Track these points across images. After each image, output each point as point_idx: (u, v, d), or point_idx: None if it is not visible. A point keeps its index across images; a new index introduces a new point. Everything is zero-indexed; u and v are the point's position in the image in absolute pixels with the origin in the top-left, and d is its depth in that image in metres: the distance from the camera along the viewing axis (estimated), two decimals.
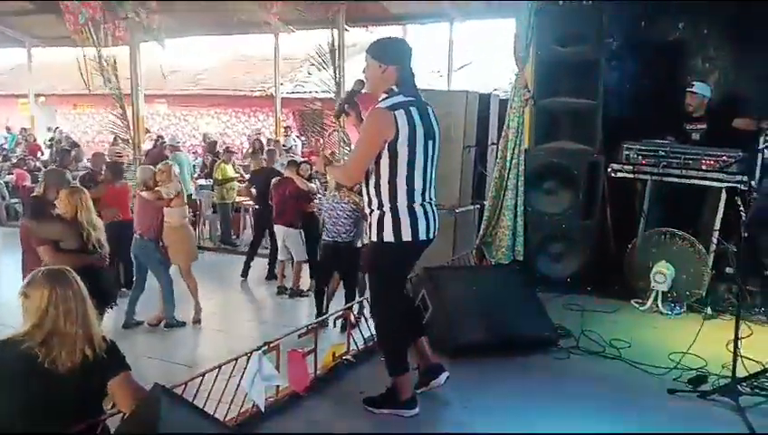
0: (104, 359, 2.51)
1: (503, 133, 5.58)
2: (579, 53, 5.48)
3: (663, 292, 5.12)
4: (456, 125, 6.40)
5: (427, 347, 3.54)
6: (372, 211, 3.32)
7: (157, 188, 6.73)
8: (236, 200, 11.05)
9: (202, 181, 11.73)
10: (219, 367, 3.12)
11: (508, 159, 5.50)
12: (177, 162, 10.58)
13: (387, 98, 3.24)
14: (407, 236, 3.25)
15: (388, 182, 3.22)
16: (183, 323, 7.01)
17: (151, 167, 7.37)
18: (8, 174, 13.54)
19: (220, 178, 10.76)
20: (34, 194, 6.01)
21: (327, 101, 10.45)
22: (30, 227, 5.13)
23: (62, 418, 2.41)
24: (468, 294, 4.37)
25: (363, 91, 3.46)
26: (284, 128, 14.76)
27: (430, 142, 3.29)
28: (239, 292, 8.78)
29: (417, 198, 3.27)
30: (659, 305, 5.12)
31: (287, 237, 7.77)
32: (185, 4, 13.98)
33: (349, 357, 3.96)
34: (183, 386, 2.89)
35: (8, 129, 19.46)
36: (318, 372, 3.75)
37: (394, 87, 3.25)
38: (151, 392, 2.56)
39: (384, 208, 3.26)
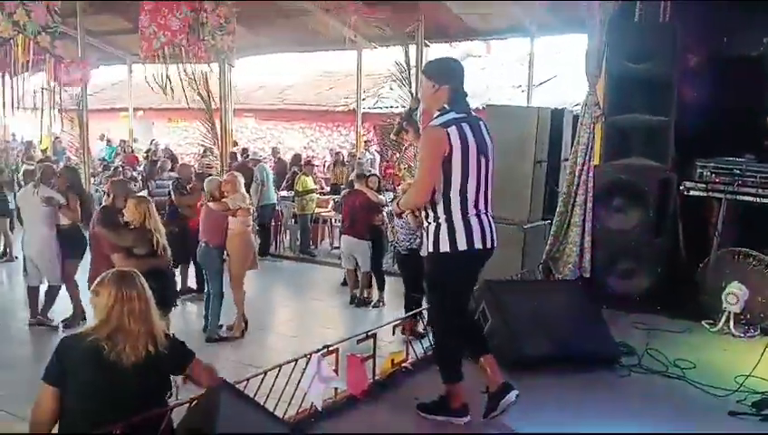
0: (165, 355, 2.76)
1: (572, 149, 5.59)
2: (651, 70, 5.44)
3: (735, 313, 4.98)
4: (527, 141, 6.44)
5: (494, 365, 3.51)
6: (429, 223, 3.46)
7: (224, 200, 6.99)
8: (315, 211, 11.42)
9: (284, 193, 12.16)
10: (279, 367, 3.33)
11: (576, 174, 5.51)
12: (261, 173, 11.13)
13: (439, 116, 3.40)
14: (462, 245, 3.37)
15: (443, 195, 3.37)
16: (224, 337, 7.05)
17: (218, 178, 7.70)
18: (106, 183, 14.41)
19: (301, 189, 11.14)
20: (104, 204, 6.47)
21: None
22: (102, 234, 5.54)
23: (124, 408, 2.62)
24: (529, 307, 4.42)
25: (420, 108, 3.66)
26: (365, 142, 15.08)
27: (483, 157, 3.40)
28: (315, 300, 9.04)
29: (471, 210, 3.39)
30: (731, 327, 4.99)
31: (355, 248, 7.99)
32: (268, 23, 14.63)
33: (407, 365, 4.09)
34: (245, 383, 3.11)
35: (108, 141, 20.73)
36: (376, 377, 3.90)
37: (446, 105, 3.40)
38: (214, 386, 2.80)
39: (440, 220, 3.40)
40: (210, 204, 7.07)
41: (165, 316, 4.39)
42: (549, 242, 5.72)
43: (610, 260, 5.67)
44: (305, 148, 18.57)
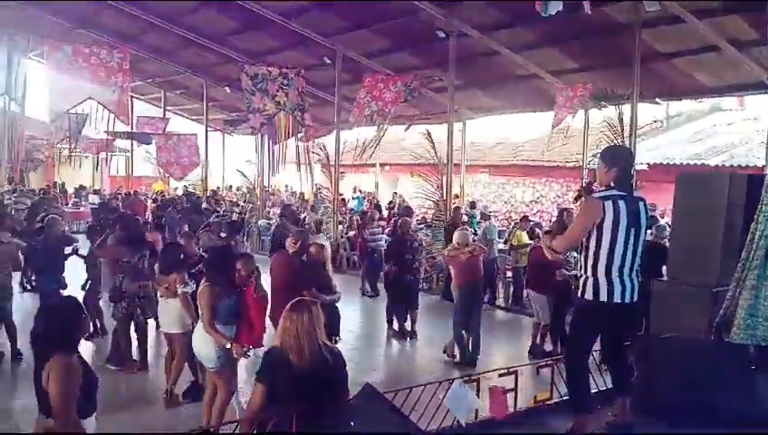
0: (333, 361, 3.69)
1: (755, 215, 5.61)
2: None
3: None
4: (718, 206, 6.48)
5: (624, 408, 4.16)
6: (581, 275, 4.23)
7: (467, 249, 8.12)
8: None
9: (501, 246, 12.88)
10: (425, 385, 4.12)
11: (755, 239, 5.50)
12: (487, 228, 12.05)
13: (602, 191, 4.20)
14: (603, 297, 4.07)
15: (593, 254, 4.11)
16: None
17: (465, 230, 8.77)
18: (351, 230, 16.38)
19: (515, 243, 11.80)
20: (294, 251, 7.20)
21: None
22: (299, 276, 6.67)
23: (306, 403, 3.55)
24: (678, 365, 4.65)
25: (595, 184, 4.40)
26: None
27: (633, 229, 4.10)
28: (509, 346, 9.56)
29: (615, 271, 4.06)
30: None
31: (536, 300, 8.39)
32: (500, 87, 15.65)
33: (550, 403, 4.61)
34: (394, 393, 3.96)
35: (361, 192, 23.31)
36: (519, 408, 4.49)
37: (612, 184, 4.16)
38: (363, 389, 3.70)
39: (588, 274, 4.14)
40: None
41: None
42: (724, 305, 5.71)
43: None
44: (534, 202, 19.13)
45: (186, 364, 6.64)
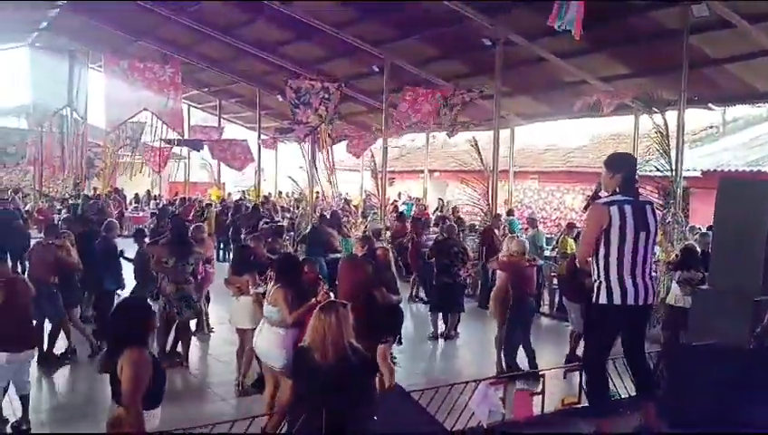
0: (357, 362, 3.85)
1: None
2: None
3: None
4: (761, 214, 6.40)
5: (651, 414, 4.21)
6: (594, 280, 4.29)
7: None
8: None
9: (547, 253, 12.83)
10: (451, 386, 4.24)
11: None
12: (534, 236, 12.06)
13: (607, 196, 4.29)
14: (617, 299, 4.16)
15: (604, 258, 4.20)
16: None
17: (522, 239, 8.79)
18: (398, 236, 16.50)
19: (564, 250, 11.75)
20: (362, 253, 7.48)
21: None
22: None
23: (332, 396, 3.74)
24: (707, 373, 4.64)
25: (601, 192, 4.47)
26: None
27: (642, 233, 4.18)
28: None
29: (627, 273, 4.15)
30: None
31: (571, 309, 8.34)
32: (548, 93, 15.60)
33: (576, 407, 4.66)
34: (420, 393, 4.10)
35: (409, 197, 23.47)
36: (546, 411, 4.57)
37: (617, 189, 4.27)
38: (391, 388, 3.86)
39: (600, 278, 4.23)
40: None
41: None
42: (767, 315, 5.68)
43: None
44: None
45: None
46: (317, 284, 6.10)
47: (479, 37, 13.19)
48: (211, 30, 17.55)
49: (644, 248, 4.18)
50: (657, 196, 11.34)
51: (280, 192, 27.08)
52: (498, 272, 8.26)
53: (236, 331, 7.33)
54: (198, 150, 21.83)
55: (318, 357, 3.77)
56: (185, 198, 21.29)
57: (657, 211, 11.50)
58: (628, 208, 4.13)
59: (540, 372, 4.62)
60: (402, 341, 7.16)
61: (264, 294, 6.35)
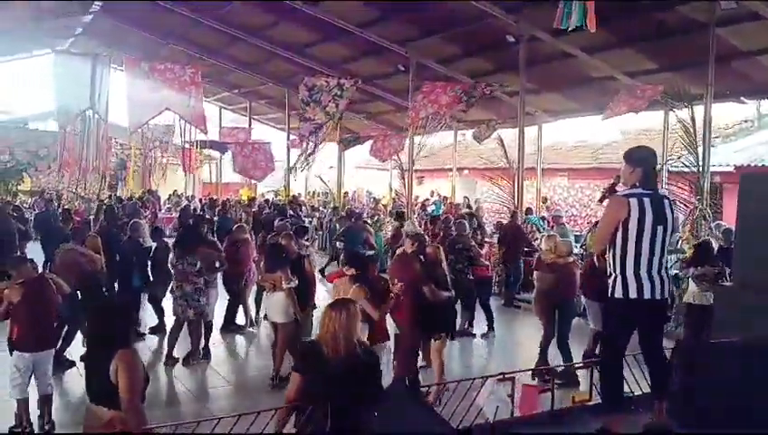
0: (365, 360, 3.89)
1: None
2: None
3: None
4: None
5: (662, 411, 4.20)
6: (611, 274, 4.28)
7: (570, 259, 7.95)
8: None
9: (576, 250, 12.69)
10: (459, 381, 4.25)
11: None
12: (560, 233, 11.92)
13: (627, 189, 4.27)
14: (633, 293, 4.14)
15: (621, 251, 4.18)
16: None
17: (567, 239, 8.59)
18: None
19: (591, 248, 11.62)
20: (412, 250, 7.80)
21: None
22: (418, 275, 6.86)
23: (337, 391, 3.78)
24: (722, 370, 4.56)
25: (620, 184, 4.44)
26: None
27: (660, 227, 4.14)
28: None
29: (643, 268, 4.12)
30: None
31: (590, 307, 8.21)
32: (575, 89, 15.44)
33: (588, 404, 4.63)
34: (427, 388, 4.13)
35: (439, 195, 23.45)
36: (554, 407, 4.55)
37: (637, 183, 4.24)
38: (395, 382, 3.89)
39: (617, 272, 4.22)
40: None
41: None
42: None
43: None
44: None
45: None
46: (380, 280, 6.38)
47: (503, 34, 13.13)
48: (239, 32, 17.79)
49: (661, 242, 4.15)
50: (688, 192, 11.22)
51: (311, 192, 27.31)
52: (538, 273, 8.03)
53: (270, 325, 7.60)
54: (223, 153, 22.04)
55: (329, 354, 3.82)
56: (212, 198, 21.61)
57: (686, 207, 11.50)
58: (647, 201, 4.11)
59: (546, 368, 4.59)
60: (455, 337, 7.33)
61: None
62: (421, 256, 6.97)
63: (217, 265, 8.29)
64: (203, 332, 8.06)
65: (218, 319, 9.13)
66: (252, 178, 21.33)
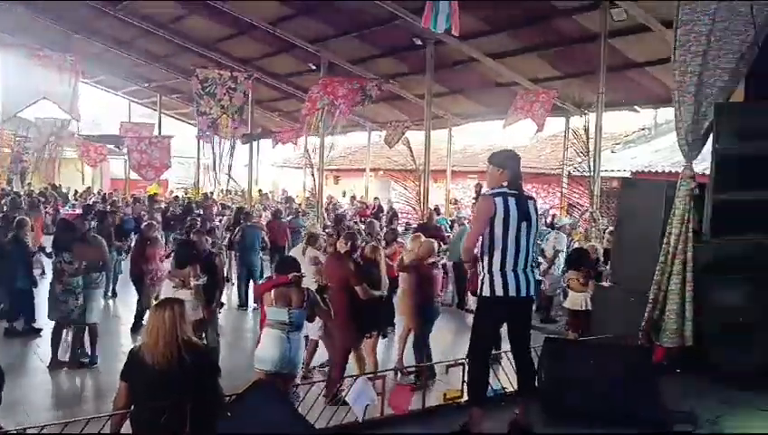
0: (192, 361, 3.77)
1: (669, 220, 5.76)
2: (764, 148, 5.46)
3: None
4: (655, 211, 6.61)
5: (524, 409, 4.33)
6: (480, 275, 4.40)
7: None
8: None
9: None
10: (324, 381, 4.27)
11: (672, 244, 5.65)
12: (460, 233, 12.11)
13: (493, 189, 4.39)
14: (499, 291, 4.26)
15: (488, 250, 4.30)
16: None
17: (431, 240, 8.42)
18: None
19: None
20: (345, 250, 7.32)
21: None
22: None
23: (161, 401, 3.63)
24: (583, 366, 4.78)
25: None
26: (568, 205, 15.34)
27: (524, 223, 4.28)
28: None
29: (509, 265, 4.25)
30: None
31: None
32: (482, 94, 15.80)
33: (459, 401, 4.74)
34: (295, 388, 4.12)
35: (353, 197, 23.49)
36: (427, 406, 4.64)
37: (504, 183, 4.37)
38: (255, 384, 3.86)
39: (485, 271, 4.33)
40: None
41: None
42: (647, 309, 5.85)
43: (722, 333, 5.63)
44: None
45: None
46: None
47: (411, 36, 13.29)
48: (150, 26, 17.25)
49: (525, 241, 4.28)
50: (583, 195, 11.69)
51: (223, 190, 26.76)
52: (402, 274, 8.02)
53: None
54: (119, 148, 21.13)
55: (148, 359, 3.74)
56: (105, 195, 20.76)
57: (579, 209, 12.02)
58: (512, 201, 4.25)
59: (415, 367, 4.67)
60: (387, 335, 7.46)
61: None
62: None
63: (100, 264, 7.98)
64: (85, 334, 7.76)
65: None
66: (144, 179, 20.21)
